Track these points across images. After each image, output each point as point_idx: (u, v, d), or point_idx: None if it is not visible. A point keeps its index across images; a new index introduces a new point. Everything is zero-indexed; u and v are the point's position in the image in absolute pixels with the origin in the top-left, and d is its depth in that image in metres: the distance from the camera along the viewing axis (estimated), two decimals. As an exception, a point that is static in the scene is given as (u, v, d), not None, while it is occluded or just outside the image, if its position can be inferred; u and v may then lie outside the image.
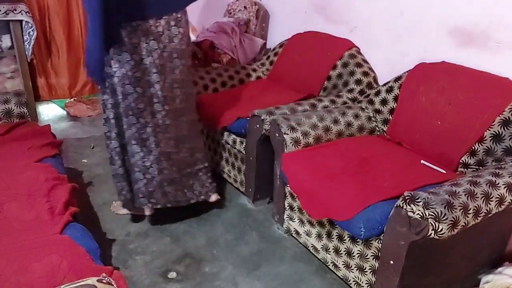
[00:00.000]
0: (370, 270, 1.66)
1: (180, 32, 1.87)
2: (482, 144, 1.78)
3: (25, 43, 2.96)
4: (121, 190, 2.10)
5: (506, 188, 1.48)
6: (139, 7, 1.74)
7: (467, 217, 1.37)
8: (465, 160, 1.83)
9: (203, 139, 2.28)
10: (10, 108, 2.19)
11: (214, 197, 2.22)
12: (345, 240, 1.76)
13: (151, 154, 1.95)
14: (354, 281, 1.74)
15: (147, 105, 1.87)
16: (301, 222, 2.00)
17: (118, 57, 1.79)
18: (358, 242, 1.69)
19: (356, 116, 2.19)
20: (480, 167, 1.77)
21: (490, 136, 1.77)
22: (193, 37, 3.71)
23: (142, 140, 1.92)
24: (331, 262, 1.85)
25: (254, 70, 2.96)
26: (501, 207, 1.47)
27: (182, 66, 1.93)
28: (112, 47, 1.77)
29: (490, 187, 1.46)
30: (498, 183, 1.48)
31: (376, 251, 1.61)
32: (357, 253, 1.70)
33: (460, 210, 1.35)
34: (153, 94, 1.87)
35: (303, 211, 1.93)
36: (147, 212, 2.14)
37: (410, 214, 1.36)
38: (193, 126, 2.11)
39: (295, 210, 2.03)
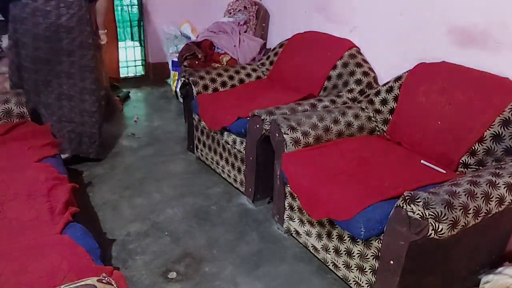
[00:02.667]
0: (370, 270, 1.66)
1: (69, 13, 2.37)
2: (482, 144, 1.78)
3: (25, 43, 2.95)
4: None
5: (506, 188, 1.48)
6: None
7: (467, 217, 1.37)
8: (465, 160, 1.83)
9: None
10: (10, 108, 2.18)
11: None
12: (345, 240, 1.76)
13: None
14: (354, 281, 1.74)
15: (31, 64, 2.43)
16: (301, 222, 2.00)
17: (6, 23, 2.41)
18: (358, 242, 1.69)
19: (356, 116, 2.19)
20: (480, 167, 1.77)
21: (490, 136, 1.77)
22: (193, 37, 3.72)
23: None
24: (331, 262, 1.85)
25: (254, 70, 2.96)
26: (501, 207, 1.47)
27: (68, 39, 2.42)
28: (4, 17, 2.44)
29: (490, 187, 1.46)
30: (498, 183, 1.48)
31: (376, 251, 1.61)
32: (357, 253, 1.70)
33: (460, 210, 1.35)
34: (40, 57, 2.41)
35: (303, 211, 1.93)
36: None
37: (410, 214, 1.36)
38: (83, 92, 2.58)
39: (295, 210, 2.03)
